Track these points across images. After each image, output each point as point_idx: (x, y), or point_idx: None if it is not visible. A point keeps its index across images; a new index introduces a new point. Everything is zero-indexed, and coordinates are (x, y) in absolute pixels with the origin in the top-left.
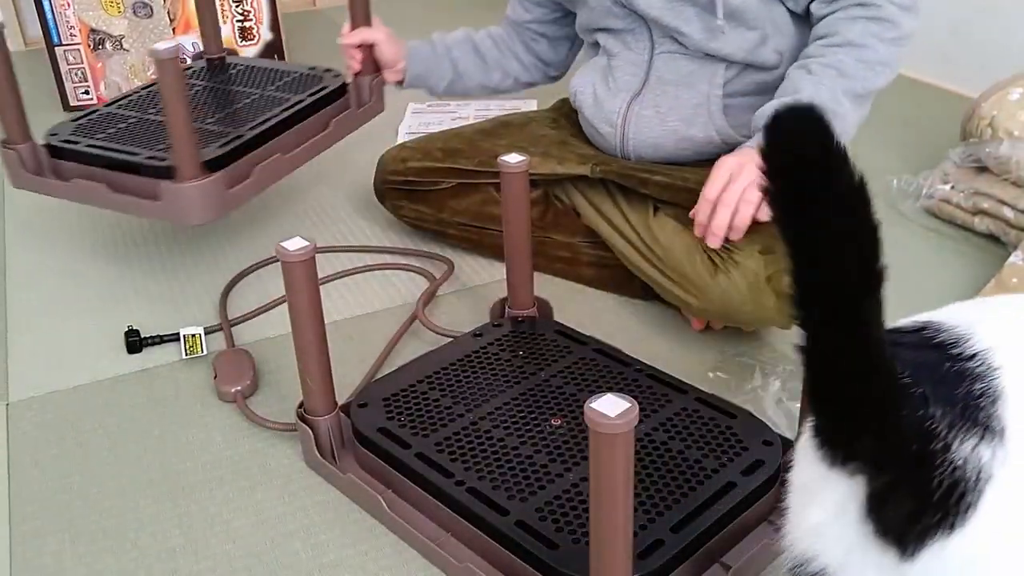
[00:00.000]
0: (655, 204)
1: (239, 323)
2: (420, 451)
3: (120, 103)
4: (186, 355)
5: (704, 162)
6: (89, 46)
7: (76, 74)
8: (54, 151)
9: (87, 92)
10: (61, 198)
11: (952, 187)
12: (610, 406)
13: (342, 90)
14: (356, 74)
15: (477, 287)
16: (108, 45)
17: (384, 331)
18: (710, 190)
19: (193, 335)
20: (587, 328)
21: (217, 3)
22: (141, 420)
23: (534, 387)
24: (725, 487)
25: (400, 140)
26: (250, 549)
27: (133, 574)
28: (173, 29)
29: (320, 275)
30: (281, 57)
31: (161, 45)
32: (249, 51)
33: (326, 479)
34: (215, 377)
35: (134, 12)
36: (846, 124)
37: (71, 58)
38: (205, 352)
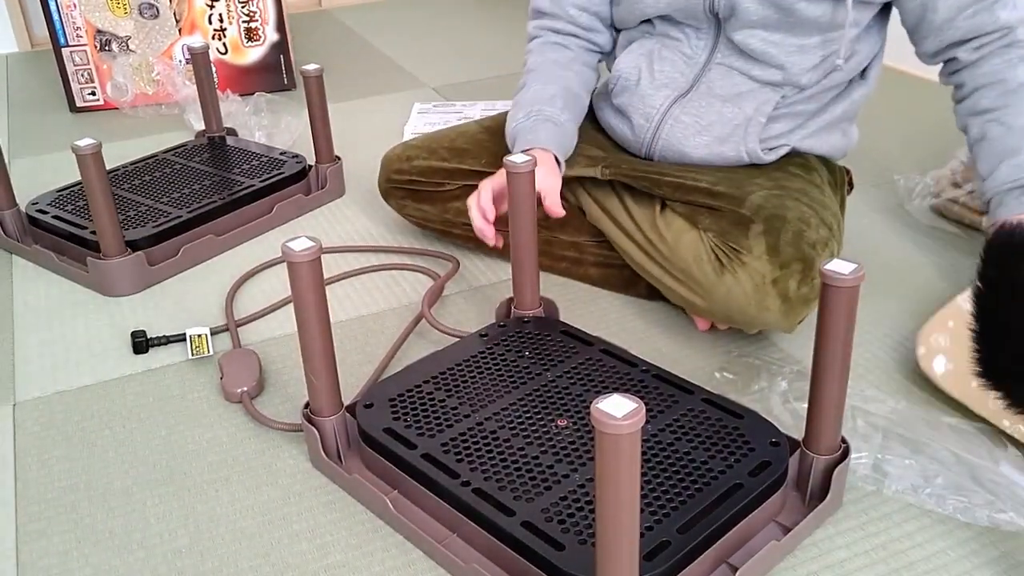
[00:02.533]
0: (662, 202)
1: (245, 323)
2: (426, 451)
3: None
4: (192, 355)
5: (723, 168)
6: (95, 47)
7: (82, 75)
8: (31, 219)
9: (93, 93)
10: (28, 260)
11: (959, 186)
12: (616, 407)
13: (301, 174)
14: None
15: (483, 287)
16: (114, 46)
17: (390, 331)
18: None
19: (199, 335)
20: (593, 328)
21: (223, 4)
22: (147, 420)
23: (540, 388)
24: (732, 488)
25: (405, 140)
26: (256, 549)
27: (139, 574)
28: (179, 30)
29: (326, 275)
30: (287, 57)
31: (82, 142)
32: (255, 52)
33: (332, 479)
34: (221, 377)
35: (140, 13)
36: None
37: (77, 59)
38: (211, 352)
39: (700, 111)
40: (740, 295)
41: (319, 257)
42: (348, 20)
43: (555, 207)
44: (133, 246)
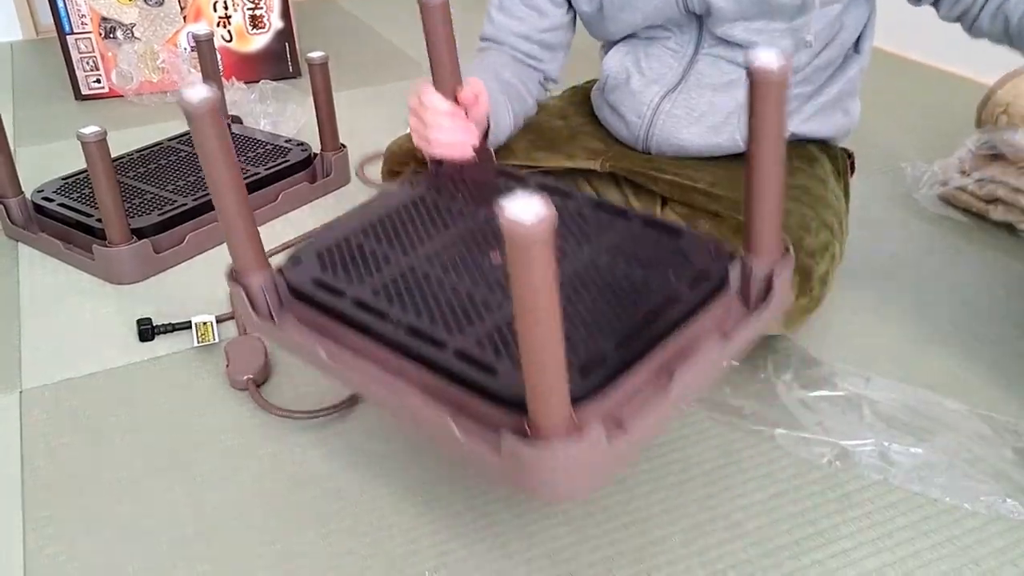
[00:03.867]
0: (663, 199)
1: None
2: (356, 297)
3: None
4: (198, 343)
5: (719, 159)
6: (100, 35)
7: (87, 63)
8: (36, 207)
9: (98, 81)
10: (34, 248)
11: (967, 175)
12: (524, 210)
13: (306, 162)
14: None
15: None
16: (119, 34)
17: None
18: None
19: (204, 323)
20: None
21: None
22: (153, 408)
23: (474, 227)
24: (670, 301)
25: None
26: (262, 537)
27: (146, 562)
28: (184, 17)
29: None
30: (292, 45)
31: (87, 129)
32: (260, 39)
33: (265, 337)
34: (227, 364)
35: (145, 0)
36: None
37: (82, 47)
38: (217, 340)
39: (691, 103)
40: None
41: (216, 107)
42: (353, 8)
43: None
44: (139, 234)
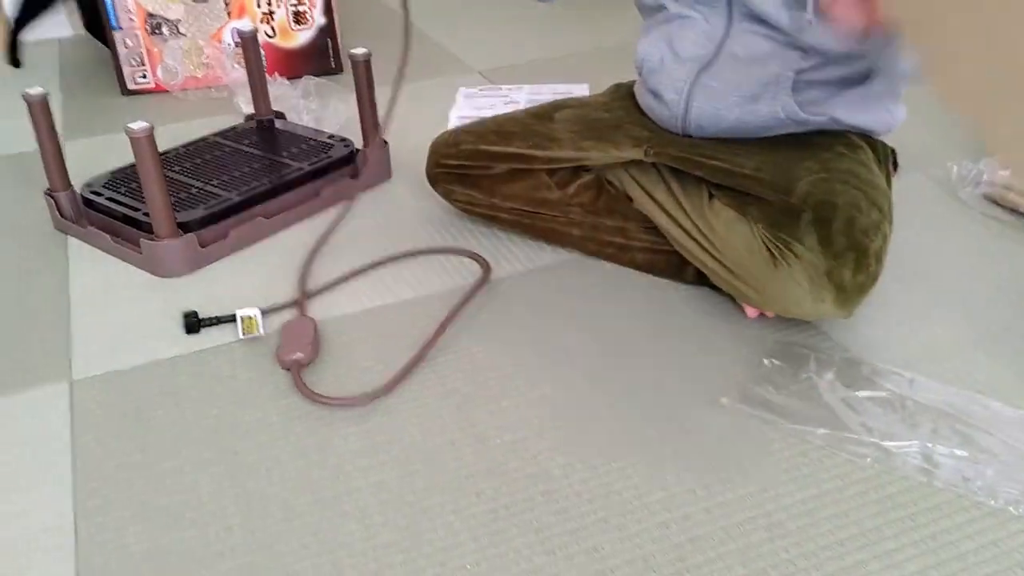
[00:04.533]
0: (709, 191)
1: (311, 297)
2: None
3: None
4: (243, 336)
5: (766, 140)
6: (146, 31)
7: (134, 59)
8: (85, 200)
9: (144, 76)
10: (83, 241)
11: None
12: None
13: (349, 158)
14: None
15: (522, 273)
16: (165, 30)
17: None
18: None
19: (249, 317)
20: (639, 316)
21: None
22: (199, 400)
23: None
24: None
25: (451, 124)
26: (306, 528)
27: (193, 551)
28: (228, 13)
29: (361, 263)
30: (334, 41)
31: (135, 124)
32: (303, 35)
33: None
34: (279, 346)
35: None
36: None
37: (129, 42)
38: (262, 333)
39: (726, 76)
40: (795, 288)
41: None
42: (394, 3)
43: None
44: (185, 228)
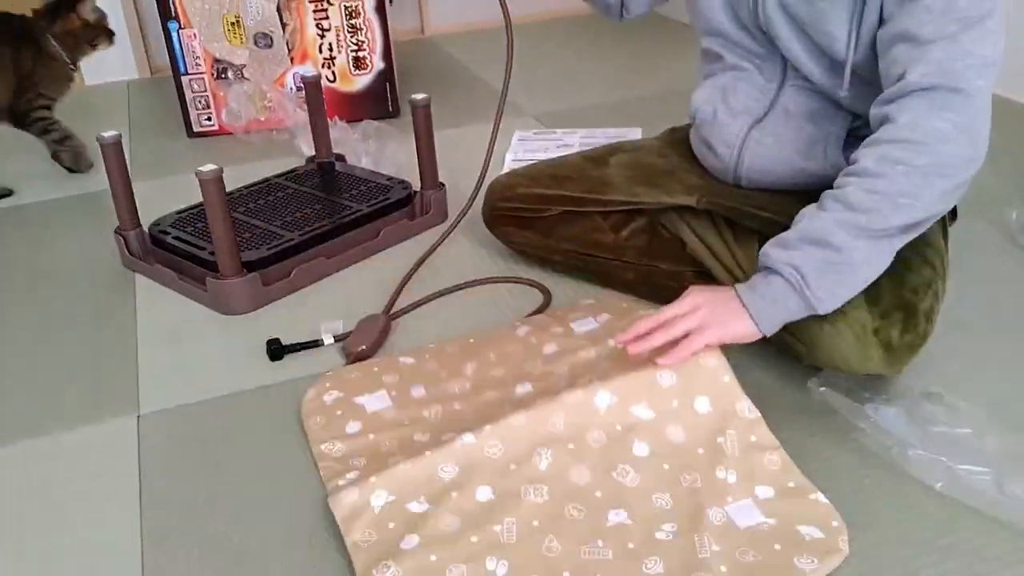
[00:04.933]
0: (761, 240)
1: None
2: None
3: None
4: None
5: (816, 193)
6: (212, 75)
7: (200, 101)
8: (153, 239)
9: (209, 119)
10: (150, 278)
11: None
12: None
13: (407, 200)
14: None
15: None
16: (230, 74)
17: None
18: (666, 312)
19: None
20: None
21: (334, 34)
22: (263, 435)
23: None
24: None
25: (506, 168)
26: None
27: None
28: (291, 59)
29: (420, 295)
30: (392, 85)
31: (205, 168)
32: (363, 80)
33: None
34: (350, 338)
35: (255, 43)
36: (851, 259)
37: (195, 86)
38: (330, 371)
39: (778, 131)
40: (842, 345)
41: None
42: (450, 47)
43: None
44: (248, 267)
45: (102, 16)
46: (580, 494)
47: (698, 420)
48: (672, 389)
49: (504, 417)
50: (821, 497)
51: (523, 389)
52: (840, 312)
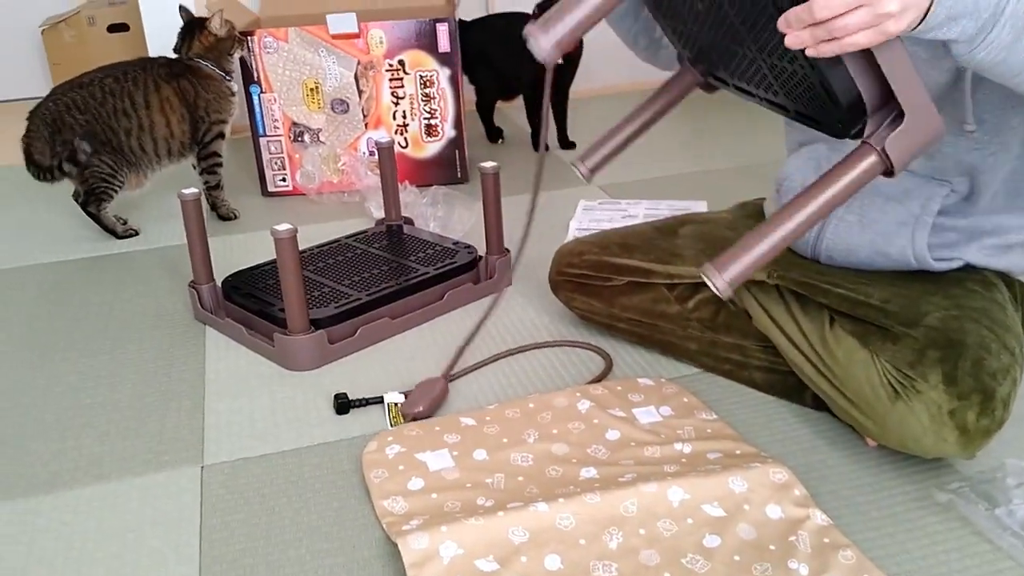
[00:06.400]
0: (831, 316)
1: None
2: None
3: None
4: (391, 425)
5: (893, 274)
6: (290, 138)
7: (276, 163)
8: (225, 293)
9: (284, 180)
10: (219, 331)
11: None
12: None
13: (472, 264)
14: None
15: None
16: (306, 138)
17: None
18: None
19: (396, 404)
20: (759, 434)
21: (408, 102)
22: (322, 491)
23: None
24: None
25: (571, 235)
26: None
27: None
28: (366, 124)
29: (480, 357)
30: (462, 152)
31: (280, 227)
32: (433, 147)
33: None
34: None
35: (332, 108)
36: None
37: (273, 148)
38: (390, 427)
39: (863, 209)
40: (915, 425)
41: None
42: (516, 115)
43: None
44: (316, 324)
45: (231, 27)
46: (648, 574)
47: (769, 521)
48: (743, 495)
49: (577, 495)
50: None
51: (588, 474)
52: (915, 390)
